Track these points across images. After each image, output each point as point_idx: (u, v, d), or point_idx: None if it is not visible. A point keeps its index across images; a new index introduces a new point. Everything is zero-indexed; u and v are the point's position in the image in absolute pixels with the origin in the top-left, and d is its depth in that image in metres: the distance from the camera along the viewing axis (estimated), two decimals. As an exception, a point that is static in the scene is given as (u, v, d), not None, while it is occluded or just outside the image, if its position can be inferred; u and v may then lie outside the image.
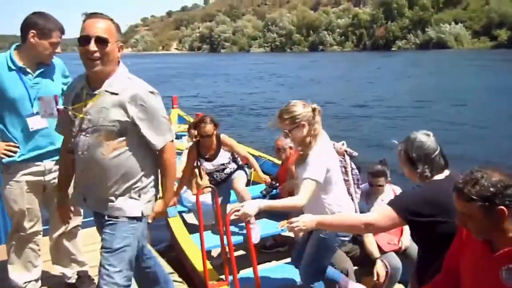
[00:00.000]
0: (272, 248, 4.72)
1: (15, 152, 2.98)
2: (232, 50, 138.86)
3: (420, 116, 15.67)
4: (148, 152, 2.48)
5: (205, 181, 4.26)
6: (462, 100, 19.01)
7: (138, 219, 2.48)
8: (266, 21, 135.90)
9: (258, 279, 2.90)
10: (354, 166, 3.27)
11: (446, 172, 2.33)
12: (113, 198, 2.43)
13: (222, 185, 4.47)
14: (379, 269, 3.48)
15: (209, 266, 3.51)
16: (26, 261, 3.23)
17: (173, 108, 7.30)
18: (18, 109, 2.94)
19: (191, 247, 3.82)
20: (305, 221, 2.43)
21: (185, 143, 5.83)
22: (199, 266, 3.47)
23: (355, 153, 3.26)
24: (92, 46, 2.26)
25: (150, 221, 2.61)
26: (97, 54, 2.28)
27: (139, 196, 2.48)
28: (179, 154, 5.61)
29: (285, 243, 4.77)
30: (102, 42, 2.28)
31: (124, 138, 2.37)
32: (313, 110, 2.96)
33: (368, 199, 3.84)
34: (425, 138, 2.34)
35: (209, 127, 4.22)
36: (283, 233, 4.58)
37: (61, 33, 3.00)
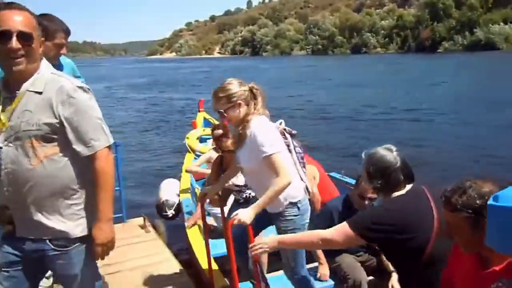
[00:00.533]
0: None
1: None
2: (273, 53, 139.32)
3: (470, 122, 14.76)
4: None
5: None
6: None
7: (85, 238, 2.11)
8: (308, 23, 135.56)
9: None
10: (296, 144, 3.06)
11: (408, 187, 2.31)
12: (51, 217, 2.04)
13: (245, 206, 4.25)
14: (395, 283, 3.27)
15: (218, 272, 3.40)
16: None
17: (199, 111, 7.30)
18: None
19: (203, 252, 3.73)
20: (267, 242, 2.45)
21: (209, 146, 5.76)
22: (208, 271, 3.38)
23: (294, 131, 3.07)
24: (15, 43, 1.91)
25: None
26: (21, 52, 1.94)
27: (83, 211, 2.10)
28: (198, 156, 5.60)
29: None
30: (26, 37, 1.94)
31: (55, 143, 2.00)
32: (251, 89, 2.77)
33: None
34: (385, 152, 2.33)
35: (230, 142, 3.79)
36: None
37: (65, 34, 3.00)
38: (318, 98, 23.38)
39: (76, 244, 2.09)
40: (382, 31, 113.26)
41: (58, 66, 3.09)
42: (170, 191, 5.16)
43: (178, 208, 4.90)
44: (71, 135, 2.00)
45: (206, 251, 3.34)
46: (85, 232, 2.10)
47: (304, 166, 3.08)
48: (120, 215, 4.76)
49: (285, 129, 3.06)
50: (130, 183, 8.14)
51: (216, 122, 6.77)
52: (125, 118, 18.96)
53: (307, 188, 2.97)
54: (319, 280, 3.56)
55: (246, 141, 2.71)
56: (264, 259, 3.58)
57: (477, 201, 1.63)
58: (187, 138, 6.25)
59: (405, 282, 2.30)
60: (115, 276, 3.65)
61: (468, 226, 1.65)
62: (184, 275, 3.64)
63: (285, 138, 3.00)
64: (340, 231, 2.25)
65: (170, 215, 4.96)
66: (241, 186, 3.99)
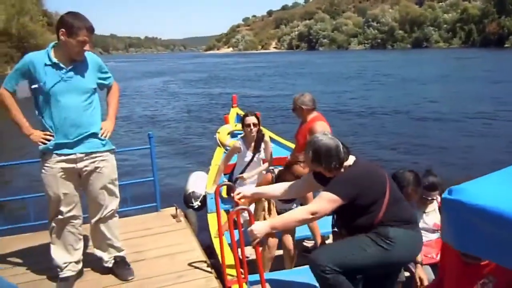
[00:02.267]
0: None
1: (49, 140, 3.14)
2: (330, 47, 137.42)
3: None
4: None
5: (273, 214, 3.88)
6: None
7: None
8: (366, 17, 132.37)
9: (264, 284, 2.77)
10: None
11: (352, 158, 2.68)
12: None
13: None
14: (421, 273, 3.10)
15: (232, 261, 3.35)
16: (66, 243, 3.34)
17: (232, 107, 7.28)
18: (52, 100, 3.09)
19: (223, 243, 3.70)
20: (257, 229, 2.63)
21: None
22: (226, 260, 3.34)
23: None
24: None
25: None
26: None
27: None
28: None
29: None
30: None
31: None
32: None
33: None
34: (325, 138, 2.66)
35: (305, 169, 3.48)
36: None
37: (89, 32, 3.07)
38: (376, 94, 22.64)
39: None
40: (445, 25, 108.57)
41: (83, 62, 3.18)
42: (197, 183, 5.29)
43: (204, 200, 4.97)
44: None
45: (220, 244, 3.32)
46: None
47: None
48: (154, 204, 4.82)
49: None
50: (165, 173, 8.32)
51: None
52: (170, 110, 19.40)
53: None
54: None
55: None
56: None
57: None
58: (218, 132, 6.24)
59: (344, 222, 2.70)
60: (141, 263, 3.70)
61: None
62: (207, 265, 3.64)
63: None
64: (325, 199, 2.55)
65: (196, 206, 5.06)
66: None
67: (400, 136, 12.20)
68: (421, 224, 3.30)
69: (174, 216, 4.64)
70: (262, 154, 4.82)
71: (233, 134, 6.30)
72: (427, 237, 3.38)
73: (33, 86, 3.10)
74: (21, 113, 3.20)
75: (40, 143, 3.15)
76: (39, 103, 3.15)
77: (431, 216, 3.47)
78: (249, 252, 4.08)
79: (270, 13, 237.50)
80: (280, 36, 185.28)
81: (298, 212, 2.72)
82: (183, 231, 4.34)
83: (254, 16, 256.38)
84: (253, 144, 4.74)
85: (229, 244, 3.48)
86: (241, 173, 4.73)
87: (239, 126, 5.81)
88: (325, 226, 4.03)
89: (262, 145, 4.79)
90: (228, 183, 4.00)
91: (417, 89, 24.13)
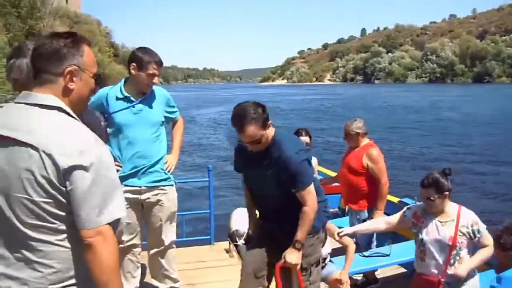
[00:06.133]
0: (364, 286, 4.32)
1: (117, 171, 3.26)
2: (386, 81, 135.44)
3: None
4: None
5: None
6: None
7: None
8: (425, 51, 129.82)
9: None
10: None
11: None
12: None
13: None
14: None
15: None
16: (125, 271, 3.44)
17: None
18: (121, 132, 3.25)
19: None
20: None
21: None
22: None
23: None
24: None
25: None
26: None
27: None
28: None
29: (377, 280, 4.33)
30: None
31: None
32: None
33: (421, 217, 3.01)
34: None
35: None
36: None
37: (157, 65, 3.20)
38: (435, 129, 22.01)
39: None
40: (508, 60, 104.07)
41: (151, 96, 3.31)
42: (240, 220, 5.09)
43: (249, 237, 4.90)
44: None
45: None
46: None
47: None
48: (208, 237, 4.88)
49: None
50: (219, 206, 8.36)
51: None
52: (222, 142, 19.63)
53: None
54: None
55: None
56: None
57: None
58: None
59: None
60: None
61: None
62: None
63: None
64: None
65: (241, 244, 4.93)
66: None
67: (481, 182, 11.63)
68: (435, 236, 2.87)
69: (227, 251, 4.68)
70: None
71: None
72: (438, 255, 2.87)
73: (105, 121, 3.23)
74: None
75: None
76: (111, 134, 3.28)
77: (448, 227, 2.88)
78: None
79: (325, 46, 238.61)
80: (335, 68, 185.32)
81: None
82: (235, 266, 4.34)
83: (309, 49, 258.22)
84: None
85: None
86: None
87: None
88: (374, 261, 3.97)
89: None
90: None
91: (478, 124, 23.18)
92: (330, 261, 3.72)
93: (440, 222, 2.89)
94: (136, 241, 3.44)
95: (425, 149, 16.18)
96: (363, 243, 4.21)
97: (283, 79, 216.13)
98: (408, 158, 14.49)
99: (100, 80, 1.86)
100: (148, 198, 3.32)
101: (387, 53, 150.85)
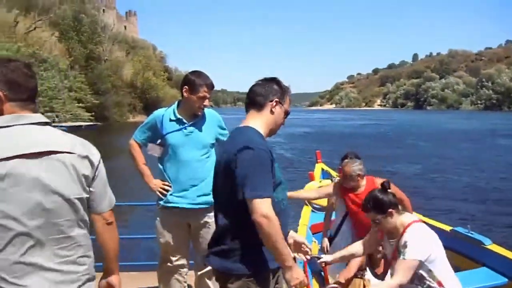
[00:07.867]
0: None
1: (167, 191, 3.32)
2: (439, 107, 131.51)
3: None
4: None
5: None
6: None
7: None
8: (480, 77, 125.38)
9: None
10: None
11: None
12: None
13: None
14: None
15: None
16: (172, 290, 3.48)
17: (317, 162, 7.06)
18: (173, 153, 3.27)
19: None
20: None
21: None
22: None
23: None
24: None
25: None
26: None
27: None
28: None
29: None
30: None
31: None
32: None
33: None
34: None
35: None
36: None
37: (209, 88, 3.24)
38: (491, 158, 21.00)
39: None
40: None
41: (203, 118, 3.33)
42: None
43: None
44: None
45: None
46: None
47: None
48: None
49: None
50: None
51: (334, 174, 6.46)
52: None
53: None
54: None
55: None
56: None
57: None
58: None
59: None
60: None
61: None
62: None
63: None
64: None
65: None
66: None
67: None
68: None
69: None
70: None
71: None
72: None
73: (158, 142, 3.32)
74: (145, 163, 3.42)
75: (159, 193, 3.34)
76: (164, 155, 3.34)
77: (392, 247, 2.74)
78: None
79: (376, 71, 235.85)
80: (385, 93, 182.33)
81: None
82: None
83: (359, 74, 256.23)
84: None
85: None
86: (334, 235, 4.04)
87: (324, 182, 5.63)
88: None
89: None
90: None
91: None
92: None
93: (390, 242, 2.74)
94: (184, 261, 3.45)
95: (483, 181, 15.44)
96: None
97: (331, 103, 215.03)
98: (463, 190, 13.87)
99: None
100: (196, 219, 3.31)
101: (440, 78, 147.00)
